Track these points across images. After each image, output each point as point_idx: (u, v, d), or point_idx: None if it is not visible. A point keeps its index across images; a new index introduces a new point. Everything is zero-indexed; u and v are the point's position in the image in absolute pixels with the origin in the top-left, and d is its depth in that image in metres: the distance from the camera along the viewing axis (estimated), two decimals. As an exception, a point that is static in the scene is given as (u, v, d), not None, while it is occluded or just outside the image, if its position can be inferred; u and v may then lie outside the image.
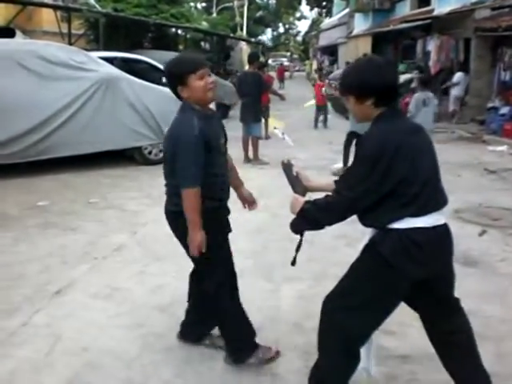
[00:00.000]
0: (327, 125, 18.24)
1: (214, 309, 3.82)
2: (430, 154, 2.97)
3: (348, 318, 2.99)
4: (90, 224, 6.96)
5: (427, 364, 3.73)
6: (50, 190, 8.62)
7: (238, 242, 6.25)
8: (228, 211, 3.81)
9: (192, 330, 4.10)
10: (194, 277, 3.97)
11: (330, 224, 3.02)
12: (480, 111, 17.39)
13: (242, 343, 3.87)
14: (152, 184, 9.18)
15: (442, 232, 2.94)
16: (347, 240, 5.89)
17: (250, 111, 11.46)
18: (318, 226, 3.06)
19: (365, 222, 2.99)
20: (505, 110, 15.61)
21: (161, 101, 10.32)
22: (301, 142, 14.34)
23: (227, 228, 3.83)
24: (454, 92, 18.01)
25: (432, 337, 3.24)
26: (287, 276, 5.38)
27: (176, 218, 3.57)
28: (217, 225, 3.64)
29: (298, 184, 3.36)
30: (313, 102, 18.58)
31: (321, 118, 18.22)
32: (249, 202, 4.08)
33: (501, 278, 5.41)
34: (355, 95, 2.93)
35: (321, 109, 18.07)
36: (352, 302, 3.00)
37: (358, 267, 3.06)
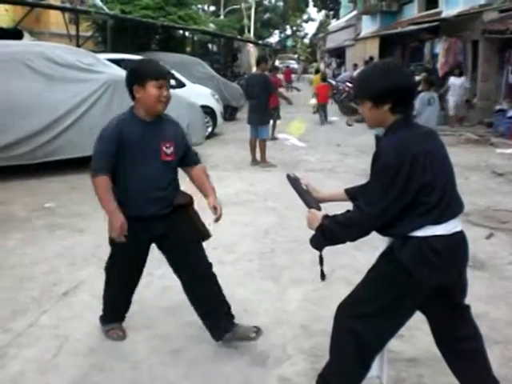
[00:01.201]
0: (328, 120, 19.51)
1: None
2: (445, 159, 2.94)
3: (365, 326, 2.96)
4: (98, 226, 6.92)
5: (434, 367, 3.71)
6: (58, 192, 8.63)
7: (244, 244, 6.31)
8: (147, 230, 3.83)
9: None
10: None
11: (352, 240, 2.99)
12: (488, 113, 17.36)
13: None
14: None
15: (460, 239, 2.92)
16: (355, 243, 5.85)
17: (257, 113, 11.44)
18: (339, 242, 3.05)
19: (384, 232, 2.95)
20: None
21: (170, 103, 10.32)
22: (309, 144, 14.36)
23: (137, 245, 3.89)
24: (450, 96, 17.76)
25: (441, 343, 3.21)
26: (294, 278, 5.38)
27: None
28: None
29: (309, 197, 3.28)
30: (314, 100, 19.93)
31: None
32: (215, 211, 3.85)
33: (508, 281, 5.39)
34: (372, 100, 2.88)
35: (322, 106, 19.40)
36: (369, 310, 2.96)
37: (376, 274, 3.03)
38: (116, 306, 4.24)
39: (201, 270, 3.95)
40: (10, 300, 4.82)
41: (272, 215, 7.41)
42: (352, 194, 3.36)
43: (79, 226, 6.92)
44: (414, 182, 2.72)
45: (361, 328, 2.97)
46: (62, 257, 5.88)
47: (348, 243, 3.06)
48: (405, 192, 2.72)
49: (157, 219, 3.77)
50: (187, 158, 3.99)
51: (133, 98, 3.70)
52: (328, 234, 2.99)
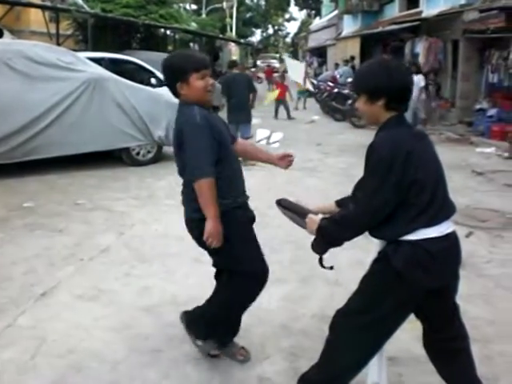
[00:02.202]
0: (291, 116, 20.69)
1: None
2: (436, 160, 2.96)
3: (362, 335, 2.95)
4: (77, 225, 6.92)
5: (414, 366, 3.73)
6: (37, 192, 8.55)
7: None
8: (249, 213, 3.77)
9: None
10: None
11: (349, 239, 2.98)
12: (468, 113, 17.47)
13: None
14: (140, 185, 9.16)
15: (453, 240, 2.93)
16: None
17: (242, 112, 11.45)
18: (337, 242, 3.04)
19: (376, 234, 2.94)
20: (492, 111, 15.66)
21: (149, 102, 10.30)
22: (289, 143, 14.35)
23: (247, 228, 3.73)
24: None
25: (430, 343, 3.20)
26: (274, 278, 5.34)
27: (197, 226, 3.49)
28: (234, 227, 3.54)
29: (303, 208, 3.24)
30: (273, 97, 21.22)
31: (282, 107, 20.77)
32: (283, 159, 3.87)
33: (487, 279, 5.42)
34: (367, 94, 2.90)
35: (281, 102, 20.72)
36: (366, 318, 2.93)
37: (370, 282, 3.01)
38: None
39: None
40: (-13, 301, 4.77)
41: (253, 214, 7.39)
42: (343, 205, 3.32)
43: (58, 226, 6.86)
44: (406, 180, 2.72)
45: (359, 337, 2.96)
46: (41, 257, 5.82)
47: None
48: (398, 187, 2.72)
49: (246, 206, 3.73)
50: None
51: (177, 95, 3.50)
52: (325, 234, 2.99)
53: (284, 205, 3.34)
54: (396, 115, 2.90)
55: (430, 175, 2.82)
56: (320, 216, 3.06)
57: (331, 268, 3.28)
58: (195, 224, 3.53)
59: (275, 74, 33.09)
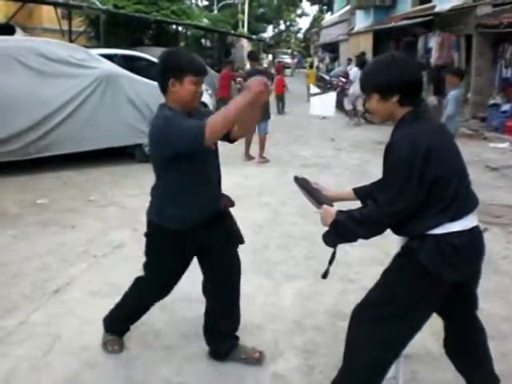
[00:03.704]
0: (285, 111, 21.66)
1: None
2: (457, 153, 2.90)
3: (385, 329, 2.86)
4: (90, 221, 6.93)
5: (428, 363, 3.70)
6: (50, 188, 8.59)
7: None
8: (201, 235, 3.55)
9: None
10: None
11: (367, 238, 2.89)
12: (481, 108, 17.34)
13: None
14: (153, 181, 9.15)
15: (477, 233, 2.88)
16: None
17: (262, 109, 11.32)
18: (353, 239, 2.94)
19: (401, 231, 2.89)
20: (506, 106, 15.56)
21: (161, 98, 10.27)
22: (302, 138, 14.35)
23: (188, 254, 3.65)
24: (352, 90, 17.82)
25: (451, 338, 3.17)
26: (287, 274, 5.36)
27: (150, 229, 3.62)
28: (174, 249, 3.53)
29: (320, 195, 3.20)
30: (273, 92, 21.58)
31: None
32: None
33: (503, 275, 5.38)
34: (379, 92, 2.82)
35: (279, 97, 21.43)
36: (389, 313, 2.85)
37: (393, 276, 2.93)
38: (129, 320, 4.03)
39: (233, 278, 3.80)
40: (1, 297, 4.78)
41: (266, 210, 7.38)
42: (360, 193, 3.30)
43: (71, 223, 6.88)
44: (428, 176, 2.65)
45: (380, 333, 2.88)
46: (54, 253, 5.84)
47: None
48: (421, 185, 2.65)
49: (210, 222, 3.51)
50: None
51: (164, 91, 3.41)
52: (342, 230, 2.89)
53: (302, 184, 3.28)
54: (411, 110, 2.82)
55: (452, 169, 2.77)
56: (335, 208, 2.99)
57: (325, 275, 3.22)
58: (151, 226, 3.62)
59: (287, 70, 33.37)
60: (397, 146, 2.72)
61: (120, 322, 4.00)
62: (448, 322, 3.17)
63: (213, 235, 3.57)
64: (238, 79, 13.22)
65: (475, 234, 2.86)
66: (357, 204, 3.17)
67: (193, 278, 5.24)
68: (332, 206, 3.07)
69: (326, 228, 2.99)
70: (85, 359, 3.85)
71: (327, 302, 4.78)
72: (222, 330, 3.81)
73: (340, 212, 2.92)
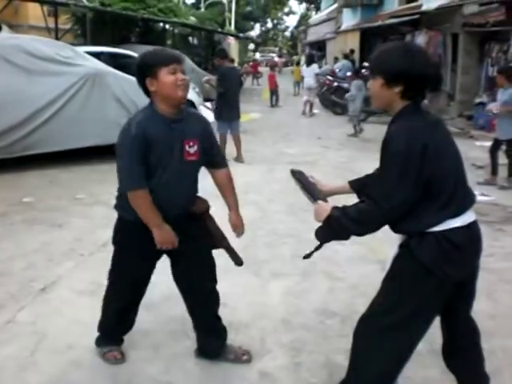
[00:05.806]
0: (279, 104, 23.53)
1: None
2: (454, 148, 2.84)
3: (391, 336, 2.80)
4: (77, 220, 6.90)
5: (413, 360, 3.70)
6: (36, 186, 8.53)
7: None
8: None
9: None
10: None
11: (362, 235, 2.81)
12: (468, 106, 17.43)
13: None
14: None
15: (476, 229, 2.85)
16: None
17: (234, 110, 11.11)
18: (347, 236, 2.84)
19: (398, 229, 2.82)
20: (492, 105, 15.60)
21: (148, 96, 10.25)
22: (289, 136, 14.36)
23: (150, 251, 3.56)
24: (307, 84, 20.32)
25: (451, 336, 3.14)
26: (275, 272, 5.37)
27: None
28: (135, 242, 3.52)
29: (315, 190, 3.15)
30: (267, 93, 24.16)
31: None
32: (235, 227, 3.93)
33: (488, 273, 5.38)
34: (385, 77, 2.73)
35: (273, 92, 23.50)
36: (393, 319, 2.78)
37: (395, 280, 2.85)
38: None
39: (204, 284, 3.74)
40: (-14, 296, 4.75)
41: (253, 209, 7.36)
42: (356, 186, 3.26)
43: (58, 221, 6.84)
44: (425, 171, 2.59)
45: (387, 340, 2.81)
46: (41, 252, 5.80)
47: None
48: (418, 181, 2.59)
49: (176, 224, 3.45)
50: (212, 159, 3.70)
51: (148, 94, 3.36)
52: (337, 226, 2.79)
53: (298, 178, 3.24)
54: (411, 104, 2.76)
55: (450, 165, 2.73)
56: (330, 204, 2.93)
57: (307, 256, 3.15)
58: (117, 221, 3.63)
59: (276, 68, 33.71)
60: (394, 140, 2.65)
61: (112, 327, 3.89)
62: (444, 323, 3.13)
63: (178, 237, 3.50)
64: (206, 78, 12.88)
65: (474, 230, 2.84)
66: (352, 199, 3.14)
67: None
68: (326, 201, 3.02)
69: (317, 225, 2.93)
70: (71, 358, 3.83)
71: (315, 300, 4.79)
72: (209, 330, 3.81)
73: (335, 208, 2.85)
